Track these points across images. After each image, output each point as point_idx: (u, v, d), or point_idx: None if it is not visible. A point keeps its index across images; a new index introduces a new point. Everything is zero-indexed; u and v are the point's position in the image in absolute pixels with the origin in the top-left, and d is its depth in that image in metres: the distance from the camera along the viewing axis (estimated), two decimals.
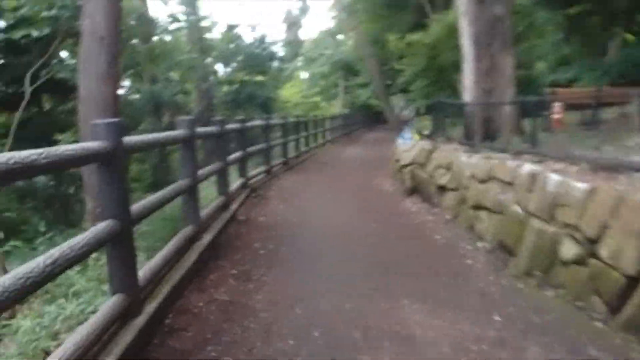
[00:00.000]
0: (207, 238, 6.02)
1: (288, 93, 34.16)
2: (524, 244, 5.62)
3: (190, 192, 5.74)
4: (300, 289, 5.00)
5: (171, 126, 20.18)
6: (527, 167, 6.07)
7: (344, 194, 10.95)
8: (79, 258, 2.88)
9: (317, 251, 6.51)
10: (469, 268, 5.78)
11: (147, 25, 15.22)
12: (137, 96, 16.44)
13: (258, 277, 5.32)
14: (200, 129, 6.47)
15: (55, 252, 2.71)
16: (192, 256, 5.25)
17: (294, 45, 43.65)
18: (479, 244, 6.61)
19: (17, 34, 12.24)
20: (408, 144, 12.54)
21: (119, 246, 3.49)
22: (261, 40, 20.74)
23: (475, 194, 7.30)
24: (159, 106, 16.93)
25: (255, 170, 11.87)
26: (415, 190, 10.02)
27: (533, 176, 5.78)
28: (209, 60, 19.41)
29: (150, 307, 3.77)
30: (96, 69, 7.51)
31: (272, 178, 12.55)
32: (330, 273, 5.58)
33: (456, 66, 23.81)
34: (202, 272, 5.24)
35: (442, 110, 12.10)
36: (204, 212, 6.51)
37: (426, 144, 10.24)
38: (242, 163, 10.24)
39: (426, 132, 14.50)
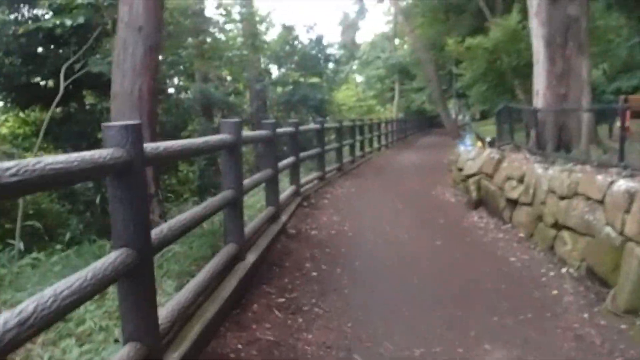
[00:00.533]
0: (251, 258, 5.32)
1: (343, 96, 33.43)
2: (622, 274, 4.72)
3: (234, 206, 5.05)
4: (359, 326, 4.25)
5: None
6: (622, 184, 5.15)
7: (403, 203, 10.13)
8: (76, 303, 2.19)
9: (376, 274, 5.75)
10: (556, 301, 4.90)
11: (201, 20, 14.65)
12: (186, 95, 15.87)
13: (309, 307, 4.59)
14: (247, 134, 5.78)
15: (47, 294, 2.04)
16: (232, 281, 4.56)
17: (349, 47, 42.94)
18: (563, 270, 5.71)
19: (49, 23, 11.67)
20: (470, 152, 11.65)
21: (134, 283, 2.77)
22: (317, 41, 20.10)
23: (555, 211, 6.40)
24: (210, 106, 16.44)
25: (308, 177, 11.18)
26: (482, 202, 9.13)
27: (631, 194, 4.87)
28: (263, 60, 18.88)
29: (174, 357, 3.05)
30: (132, 61, 6.93)
31: (325, 185, 11.84)
32: (394, 304, 4.81)
33: (517, 71, 22.72)
34: (244, 302, 4.52)
35: (509, 117, 11.15)
36: (250, 227, 5.83)
37: (493, 153, 9.33)
38: (294, 169, 9.56)
39: (488, 139, 13.58)
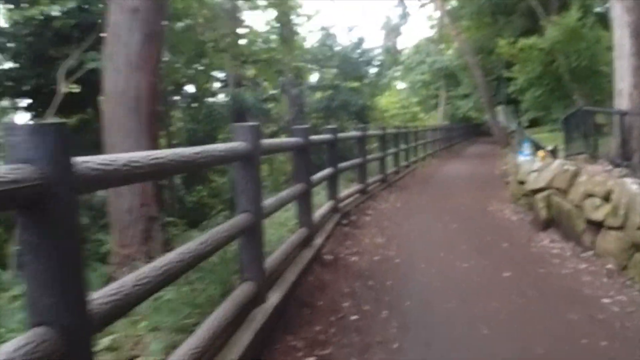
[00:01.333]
0: (274, 298, 4.16)
1: (386, 102, 32.16)
2: None
3: (251, 234, 3.90)
4: None
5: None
6: None
7: (456, 222, 8.83)
8: None
9: (433, 320, 4.51)
10: None
11: (232, 17, 13.46)
12: (218, 99, 14.72)
13: None
14: (269, 141, 4.58)
15: None
16: (244, 337, 3.40)
17: (392, 52, 41.60)
18: None
19: (31, 12, 10.41)
20: (533, 162, 10.28)
21: None
22: (358, 43, 18.89)
23: None
24: (244, 113, 15.40)
25: (348, 190, 9.96)
26: (553, 222, 7.77)
27: None
28: (300, 63, 17.77)
29: None
30: (126, 52, 5.70)
31: (367, 199, 10.62)
32: None
33: (575, 74, 21.09)
34: None
35: (583, 122, 9.77)
36: (274, 257, 4.68)
37: (566, 164, 7.96)
38: (331, 182, 8.38)
39: (549, 148, 12.19)
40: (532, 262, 6.34)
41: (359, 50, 18.74)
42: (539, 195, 8.14)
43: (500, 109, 37.50)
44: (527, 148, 13.43)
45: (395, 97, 38.93)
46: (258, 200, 4.05)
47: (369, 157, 11.78)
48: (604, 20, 24.79)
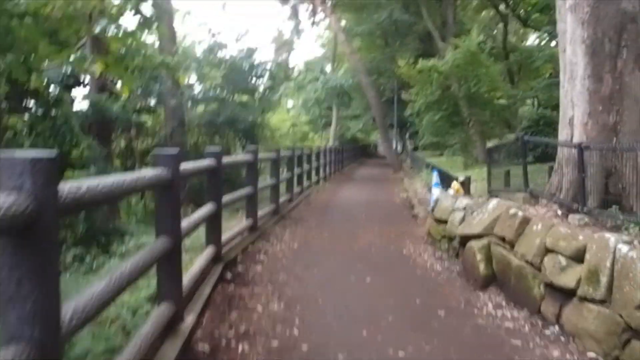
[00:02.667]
0: None
1: (277, 120, 30.35)
2: None
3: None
4: None
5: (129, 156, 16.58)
6: None
7: (371, 273, 7.03)
8: None
9: None
10: None
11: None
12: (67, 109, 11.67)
13: None
14: (93, 183, 2.51)
15: None
16: None
17: (284, 68, 39.94)
18: None
19: None
20: (452, 198, 8.79)
21: None
22: (249, 53, 16.93)
23: None
24: (108, 124, 12.98)
25: (233, 230, 7.92)
26: (494, 280, 6.18)
27: None
28: (181, 71, 15.49)
29: None
30: None
31: (258, 238, 8.66)
32: None
33: (473, 100, 20.36)
34: None
35: (516, 154, 8.44)
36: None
37: (508, 206, 6.42)
38: (212, 222, 6.35)
39: (461, 179, 10.89)
40: (487, 346, 4.62)
41: (249, 61, 16.78)
42: (475, 244, 6.53)
43: (393, 132, 37.01)
44: (435, 178, 12.07)
45: (286, 115, 37.27)
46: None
47: (261, 185, 9.84)
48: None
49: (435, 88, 19.90)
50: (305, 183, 16.79)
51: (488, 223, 6.44)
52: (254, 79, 17.29)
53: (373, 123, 45.14)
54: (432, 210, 9.44)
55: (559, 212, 6.12)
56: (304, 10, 44.09)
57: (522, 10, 27.99)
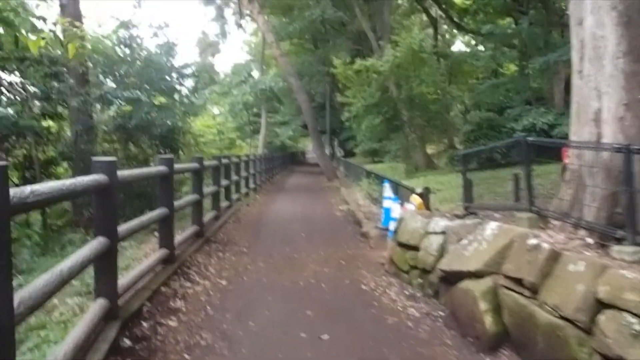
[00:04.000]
0: None
1: (201, 126, 27.98)
2: None
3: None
4: None
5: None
6: None
7: (327, 326, 5.16)
8: None
9: None
10: None
11: None
12: None
13: None
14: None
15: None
16: None
17: (208, 71, 37.48)
18: None
19: None
20: (422, 217, 7.07)
21: None
22: (168, 48, 14.72)
23: None
24: None
25: (141, 266, 5.87)
26: (509, 339, 4.42)
27: None
28: (89, 65, 13.06)
29: None
30: None
31: (175, 273, 6.64)
32: None
33: (414, 102, 18.94)
34: None
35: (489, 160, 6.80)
36: None
37: (522, 233, 4.70)
38: (103, 262, 4.36)
39: (418, 190, 9.25)
40: None
41: (168, 57, 14.58)
42: (475, 286, 4.76)
43: (323, 138, 35.33)
44: (388, 190, 10.39)
45: (212, 121, 34.91)
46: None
47: (179, 202, 7.81)
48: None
49: (375, 90, 18.31)
50: (234, 196, 14.81)
51: (491, 256, 4.70)
52: (175, 78, 15.06)
53: (302, 129, 43.51)
54: (392, 230, 7.69)
55: (590, 241, 4.46)
56: (229, 11, 42.01)
57: (454, 13, 27.00)
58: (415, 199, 8.62)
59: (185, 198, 8.69)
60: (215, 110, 42.71)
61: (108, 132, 13.18)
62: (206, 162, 10.09)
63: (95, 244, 4.18)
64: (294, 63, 31.75)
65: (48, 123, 13.67)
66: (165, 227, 6.85)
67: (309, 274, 7.26)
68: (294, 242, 9.82)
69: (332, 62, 21.29)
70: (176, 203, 7.32)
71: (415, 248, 6.48)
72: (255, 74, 39.51)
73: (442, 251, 5.86)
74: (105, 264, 4.42)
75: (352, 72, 18.83)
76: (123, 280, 4.99)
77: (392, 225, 8.18)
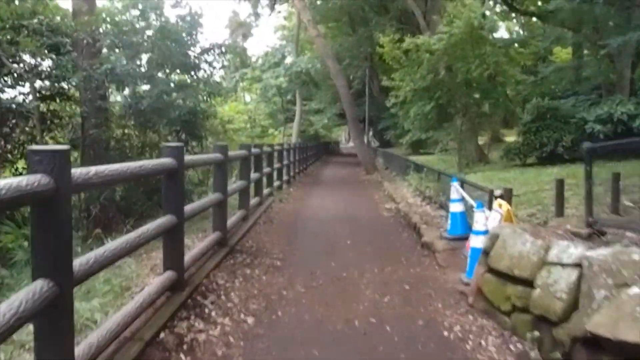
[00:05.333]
0: None
1: (230, 110, 26.08)
2: None
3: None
4: None
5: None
6: None
7: None
8: None
9: None
10: None
11: None
12: None
13: None
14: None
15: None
16: None
17: (239, 53, 35.43)
18: None
19: None
20: (530, 238, 5.01)
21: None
22: (192, 20, 12.72)
23: None
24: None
25: (129, 306, 3.99)
26: None
27: None
28: (99, 37, 11.22)
29: None
30: None
31: (183, 307, 4.79)
32: None
33: (473, 85, 16.75)
34: None
35: None
36: None
37: None
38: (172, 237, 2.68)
39: (497, 192, 7.26)
40: None
41: (191, 28, 12.59)
42: None
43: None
44: (456, 191, 8.41)
45: (243, 107, 33.00)
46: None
47: (192, 206, 5.91)
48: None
49: (426, 72, 16.20)
50: (266, 190, 12.96)
51: None
52: (198, 54, 13.07)
53: (337, 118, 41.53)
54: (478, 247, 5.66)
55: None
56: None
57: None
58: (502, 205, 6.61)
59: (201, 200, 6.77)
60: (247, 98, 40.96)
61: (122, 116, 11.35)
62: (232, 153, 8.15)
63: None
64: (333, 45, 29.74)
65: (49, 105, 11.92)
66: (172, 242, 4.98)
67: (366, 308, 5.33)
68: (340, 253, 7.91)
69: (374, 43, 19.21)
70: (188, 208, 5.44)
71: (525, 282, 4.50)
72: (289, 60, 37.57)
73: (577, 295, 3.88)
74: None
75: (401, 51, 16.76)
76: (106, 329, 3.18)
77: (475, 241, 6.16)
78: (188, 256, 5.46)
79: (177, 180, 5.02)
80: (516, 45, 19.58)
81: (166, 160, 4.82)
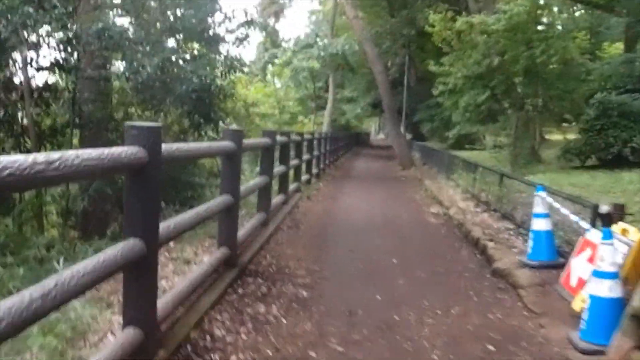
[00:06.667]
0: None
1: (256, 92, 24.09)
2: None
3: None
4: None
5: None
6: None
7: None
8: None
9: None
10: None
11: None
12: None
13: None
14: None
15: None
16: None
17: (270, 32, 33.38)
18: None
19: None
20: None
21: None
22: None
23: None
24: None
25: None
26: None
27: None
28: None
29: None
30: None
31: None
32: None
33: (535, 72, 14.42)
34: None
35: None
36: None
37: None
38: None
39: (605, 208, 5.14)
40: None
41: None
42: None
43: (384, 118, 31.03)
44: (542, 203, 6.42)
45: (271, 90, 30.98)
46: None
47: (177, 221, 3.97)
48: None
49: (482, 56, 14.09)
50: (292, 186, 11.06)
51: None
52: (216, 24, 11.02)
53: (370, 108, 39.52)
54: (637, 317, 3.65)
55: None
56: None
57: None
58: (627, 233, 4.61)
59: (199, 207, 4.78)
60: (277, 85, 39.12)
61: (124, 91, 9.46)
62: (247, 141, 6.18)
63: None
64: (370, 28, 27.61)
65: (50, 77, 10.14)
66: (132, 286, 3.09)
67: None
68: (384, 278, 5.97)
69: (415, 27, 17.10)
70: (162, 226, 3.51)
71: None
72: (324, 42, 35.46)
73: None
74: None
75: (453, 32, 14.66)
76: None
77: (599, 287, 4.13)
78: (170, 295, 3.58)
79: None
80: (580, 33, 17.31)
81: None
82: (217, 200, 4.94)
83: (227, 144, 5.17)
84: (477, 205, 10.75)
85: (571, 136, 17.07)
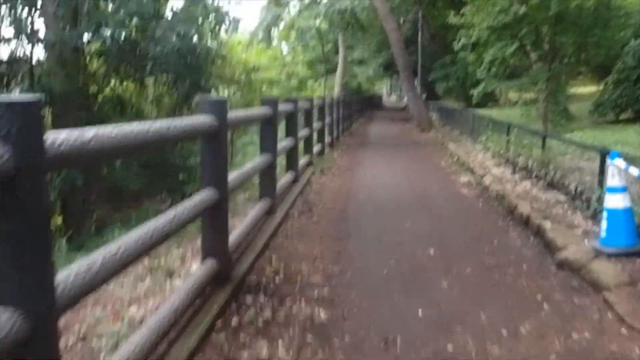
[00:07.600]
0: None
1: (257, 56, 22.50)
2: None
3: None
4: None
5: None
6: None
7: None
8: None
9: None
10: None
11: None
12: None
13: None
14: None
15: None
16: None
17: None
18: None
19: None
20: None
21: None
22: None
23: None
24: None
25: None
26: None
27: None
28: None
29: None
30: None
31: None
32: None
33: (563, 20, 12.68)
34: None
35: None
36: None
37: None
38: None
39: None
40: None
41: None
42: None
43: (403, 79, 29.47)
44: (617, 176, 5.05)
45: (277, 53, 29.35)
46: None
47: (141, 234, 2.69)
48: None
49: (508, 2, 12.52)
50: (302, 160, 9.73)
51: None
52: None
53: (382, 70, 37.84)
54: None
55: None
56: None
57: None
58: None
59: (175, 208, 3.42)
60: (285, 50, 37.48)
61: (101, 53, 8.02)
62: (234, 113, 4.75)
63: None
64: None
65: None
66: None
67: None
68: (425, 283, 4.66)
69: None
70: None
71: None
72: None
73: None
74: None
75: None
76: None
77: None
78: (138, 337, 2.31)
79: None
80: None
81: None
82: (202, 195, 3.64)
83: (202, 119, 3.66)
84: (514, 171, 9.41)
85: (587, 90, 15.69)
